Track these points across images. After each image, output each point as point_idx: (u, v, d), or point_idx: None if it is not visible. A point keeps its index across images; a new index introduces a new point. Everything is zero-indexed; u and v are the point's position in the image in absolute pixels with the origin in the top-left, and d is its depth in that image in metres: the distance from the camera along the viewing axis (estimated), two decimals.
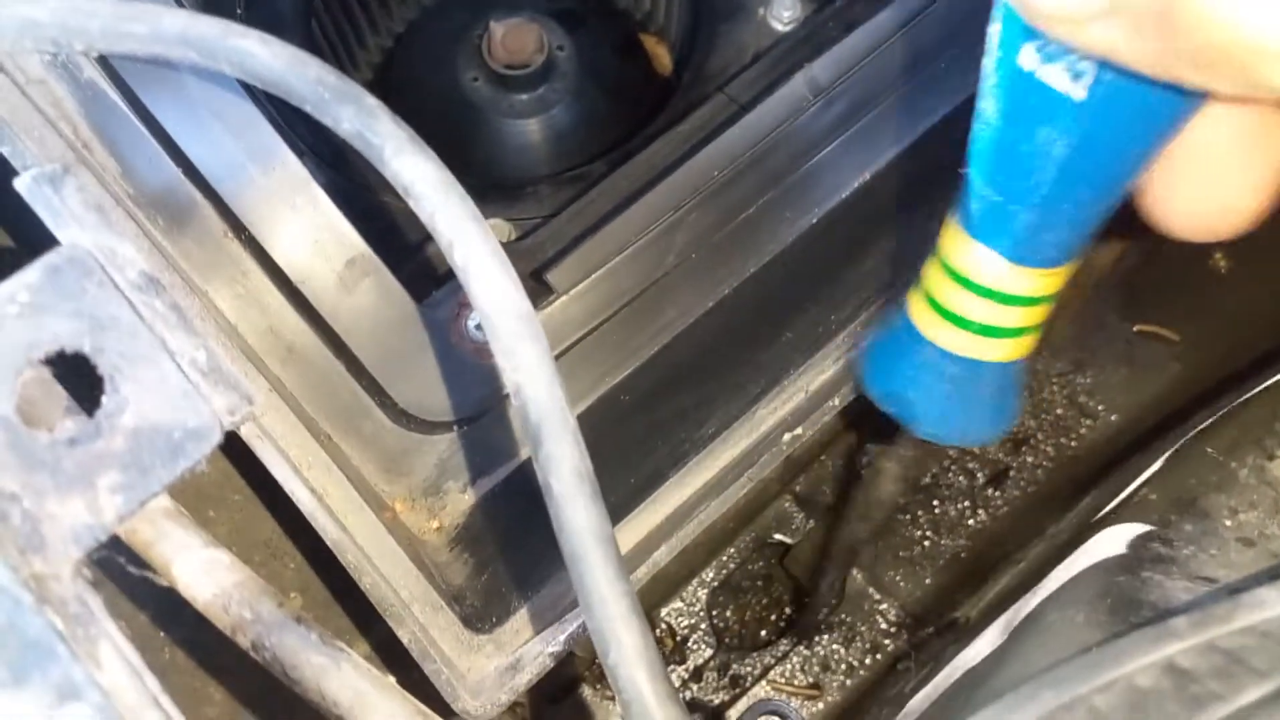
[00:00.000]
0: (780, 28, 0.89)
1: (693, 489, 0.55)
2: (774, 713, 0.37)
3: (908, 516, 0.80)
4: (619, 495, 0.57)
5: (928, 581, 0.78)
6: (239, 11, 0.85)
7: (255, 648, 0.37)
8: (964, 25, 0.70)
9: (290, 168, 0.57)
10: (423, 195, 0.38)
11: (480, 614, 0.54)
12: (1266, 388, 0.54)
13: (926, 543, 0.79)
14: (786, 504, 0.81)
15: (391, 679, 0.38)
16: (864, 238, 0.64)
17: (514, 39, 1.00)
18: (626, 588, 0.36)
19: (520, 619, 0.54)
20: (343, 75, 0.39)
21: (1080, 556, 0.43)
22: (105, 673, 0.32)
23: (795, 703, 0.40)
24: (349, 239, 0.58)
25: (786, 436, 0.54)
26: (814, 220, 0.65)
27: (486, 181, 0.92)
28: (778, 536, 0.81)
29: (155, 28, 0.39)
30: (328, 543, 0.47)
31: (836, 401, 0.55)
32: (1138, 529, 0.43)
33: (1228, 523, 0.42)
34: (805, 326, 0.61)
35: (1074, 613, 0.37)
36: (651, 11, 1.16)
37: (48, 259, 0.35)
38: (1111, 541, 0.43)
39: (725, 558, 0.81)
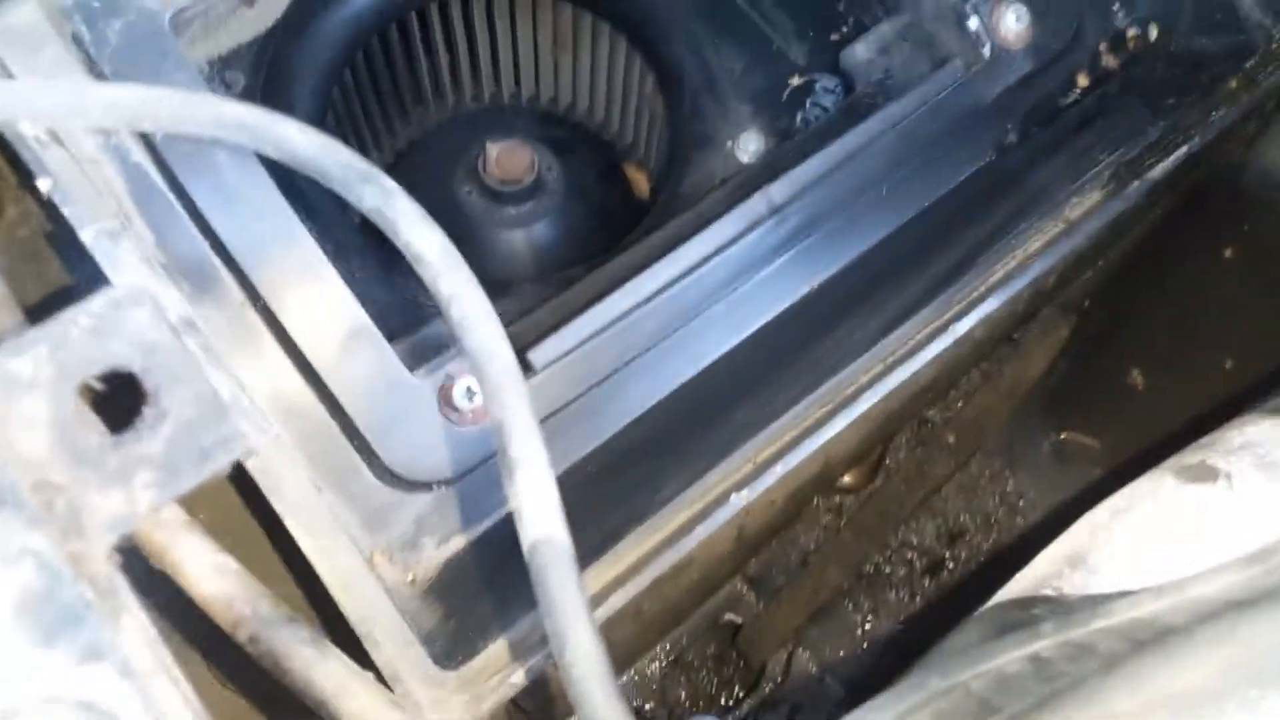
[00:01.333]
0: (745, 159, 1.00)
1: (649, 545, 0.61)
2: None
3: (850, 602, 0.85)
4: (581, 550, 0.62)
5: (868, 662, 0.83)
6: None
7: (252, 641, 0.43)
8: (906, 155, 0.80)
9: (306, 247, 0.65)
10: (429, 262, 0.46)
11: (448, 653, 0.59)
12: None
13: (868, 626, 0.84)
14: (739, 585, 0.86)
15: (371, 674, 0.42)
16: (808, 335, 0.72)
17: (507, 158, 1.10)
18: (582, 597, 0.42)
19: (484, 658, 0.58)
20: (367, 160, 0.47)
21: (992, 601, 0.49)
22: (125, 639, 0.37)
23: None
24: (352, 312, 0.65)
25: (733, 496, 0.60)
26: (767, 319, 0.73)
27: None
28: (729, 616, 0.86)
29: (215, 113, 0.47)
30: (317, 569, 0.52)
31: (779, 468, 0.62)
32: (1033, 577, 0.49)
33: (1111, 578, 0.49)
34: (754, 407, 0.68)
35: (975, 637, 0.43)
36: (634, 144, 1.28)
37: (110, 292, 0.42)
38: (1010, 590, 0.49)
39: (678, 636, 0.85)
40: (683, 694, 0.85)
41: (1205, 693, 0.32)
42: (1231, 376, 0.90)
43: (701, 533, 0.59)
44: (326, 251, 0.85)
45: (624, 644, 0.78)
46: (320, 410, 0.64)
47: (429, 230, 0.46)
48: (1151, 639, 0.37)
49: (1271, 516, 0.50)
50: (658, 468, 0.66)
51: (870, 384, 0.67)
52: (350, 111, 1.14)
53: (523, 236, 1.17)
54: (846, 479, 0.91)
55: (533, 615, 0.59)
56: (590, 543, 0.63)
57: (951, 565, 0.86)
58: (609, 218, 1.21)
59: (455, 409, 0.66)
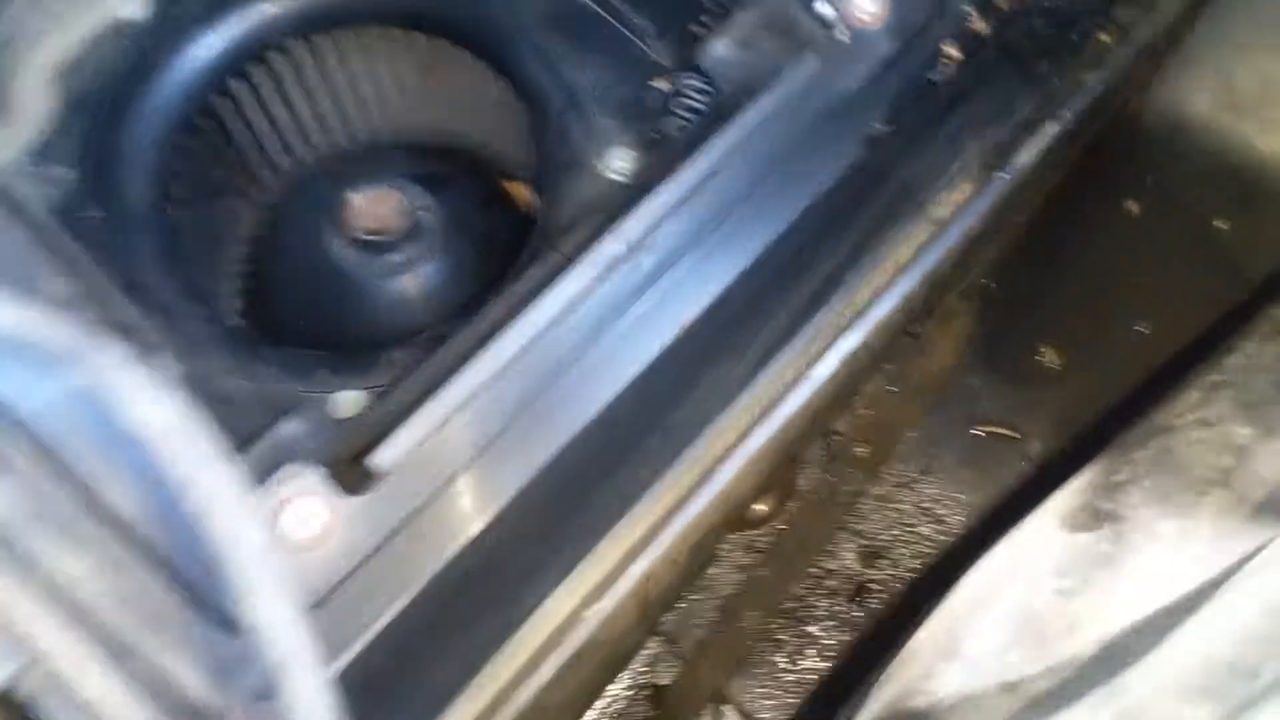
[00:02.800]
0: (618, 178, 0.93)
1: (508, 675, 0.56)
2: None
3: (773, 644, 0.81)
4: (446, 679, 0.57)
5: (798, 706, 0.79)
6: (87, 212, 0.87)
7: None
8: (767, 168, 0.74)
9: None
10: (160, 441, 0.40)
11: None
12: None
13: (794, 669, 0.80)
14: (656, 645, 0.82)
15: None
16: (674, 390, 0.66)
17: (372, 207, 1.03)
18: None
19: None
20: (87, 327, 0.41)
21: (863, 711, 0.44)
22: None
23: None
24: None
25: (587, 613, 0.55)
26: (631, 376, 0.68)
27: (351, 346, 0.94)
28: (651, 679, 0.81)
29: None
30: None
31: (638, 569, 0.56)
32: (905, 679, 0.44)
33: (990, 666, 0.44)
34: (620, 483, 0.63)
35: None
36: (519, 161, 1.21)
37: None
38: (880, 700, 0.44)
39: (604, 705, 0.81)
40: None
41: None
42: (1149, 343, 0.85)
43: (558, 657, 0.54)
44: (179, 348, 0.80)
45: None
46: (134, 565, 0.59)
47: (158, 403, 0.40)
48: None
49: (1161, 567, 0.45)
50: (521, 572, 0.60)
51: (734, 445, 0.62)
52: (204, 177, 1.07)
53: (406, 286, 1.10)
54: (758, 509, 0.86)
55: None
56: (454, 670, 0.58)
57: (876, 587, 0.81)
58: (498, 247, 1.15)
59: (289, 537, 0.61)
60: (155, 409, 0.40)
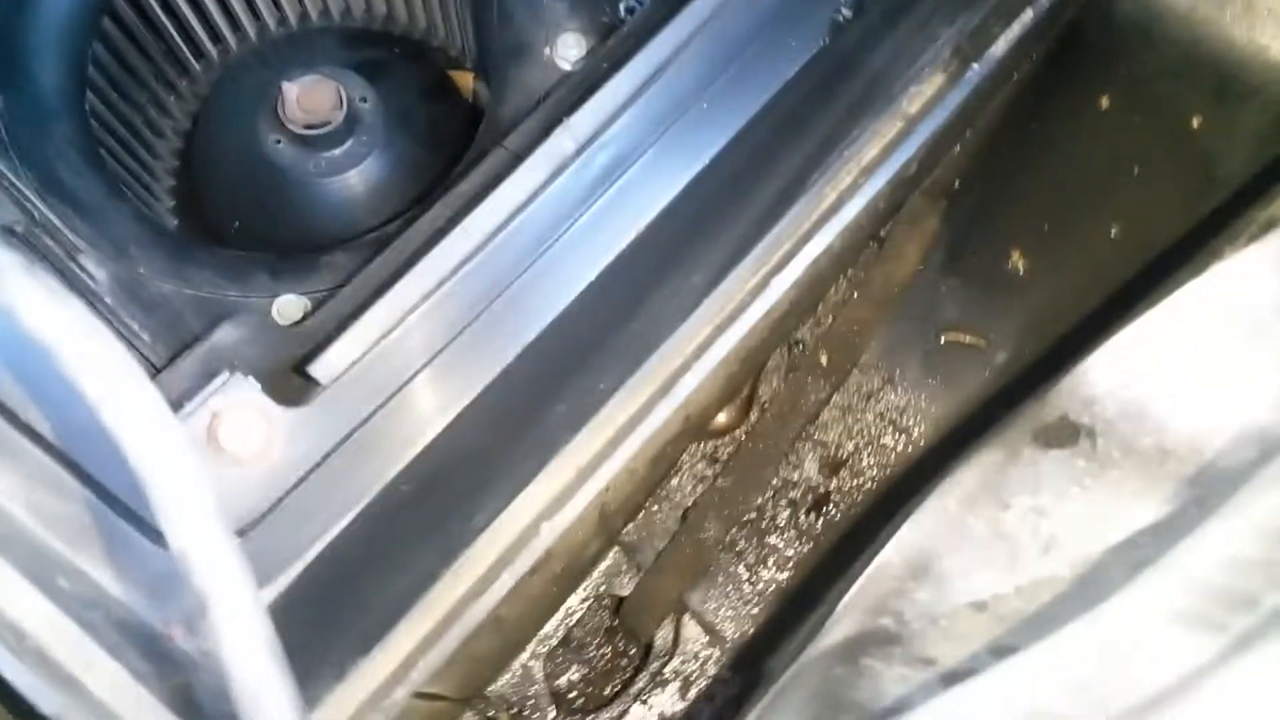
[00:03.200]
0: (567, 67, 0.87)
1: (461, 589, 0.54)
2: None
3: (734, 555, 0.80)
4: (396, 595, 0.55)
5: (758, 617, 0.78)
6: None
7: None
8: (726, 57, 0.69)
9: None
10: (65, 350, 0.36)
11: None
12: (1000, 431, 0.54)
13: (754, 580, 0.79)
14: (616, 556, 0.81)
15: None
16: (633, 298, 0.63)
17: (308, 98, 0.96)
18: None
19: None
20: None
21: (828, 632, 0.43)
22: None
23: None
24: None
25: (544, 526, 0.53)
26: (589, 280, 0.64)
27: (290, 249, 0.89)
28: (612, 589, 0.80)
29: None
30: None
31: (595, 482, 0.54)
32: (875, 594, 0.42)
33: (961, 585, 0.42)
34: (577, 395, 0.60)
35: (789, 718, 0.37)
36: (462, 48, 1.14)
37: None
38: (848, 619, 0.42)
39: (563, 616, 0.80)
40: (575, 677, 0.80)
41: None
42: (1118, 245, 0.83)
43: (514, 571, 0.52)
44: (105, 250, 0.75)
45: (489, 655, 0.72)
46: (68, 481, 0.55)
47: (57, 309, 0.36)
48: None
49: (1140, 485, 0.44)
50: (476, 481, 0.58)
51: (694, 356, 0.59)
52: (127, 65, 0.99)
53: (347, 182, 1.04)
54: (720, 419, 0.85)
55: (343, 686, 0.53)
56: (404, 586, 0.56)
57: (837, 498, 0.81)
58: (442, 140, 1.09)
59: (225, 450, 0.58)
60: (58, 321, 0.36)
